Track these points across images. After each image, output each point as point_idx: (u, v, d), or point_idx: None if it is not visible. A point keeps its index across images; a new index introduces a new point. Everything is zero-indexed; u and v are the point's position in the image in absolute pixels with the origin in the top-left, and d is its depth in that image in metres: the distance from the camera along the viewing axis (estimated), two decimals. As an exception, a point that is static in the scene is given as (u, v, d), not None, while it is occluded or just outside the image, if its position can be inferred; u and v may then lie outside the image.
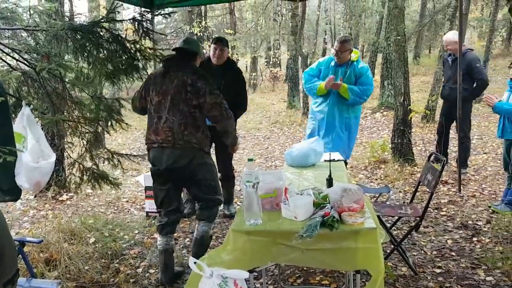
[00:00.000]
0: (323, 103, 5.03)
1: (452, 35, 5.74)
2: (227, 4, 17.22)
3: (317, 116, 5.09)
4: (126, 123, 4.52)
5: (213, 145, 4.29)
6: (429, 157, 3.91)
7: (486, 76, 5.63)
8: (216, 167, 3.71)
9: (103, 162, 4.45)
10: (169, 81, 3.23)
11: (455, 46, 5.40)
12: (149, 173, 3.47)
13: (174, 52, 3.40)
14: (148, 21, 3.21)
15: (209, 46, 5.24)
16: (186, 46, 3.37)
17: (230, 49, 4.62)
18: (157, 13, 4.66)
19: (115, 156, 4.27)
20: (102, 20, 3.08)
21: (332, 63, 4.99)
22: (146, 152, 3.42)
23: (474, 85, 5.62)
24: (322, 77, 5.00)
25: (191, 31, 15.05)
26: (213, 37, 4.83)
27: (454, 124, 5.89)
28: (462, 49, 5.17)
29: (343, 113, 4.98)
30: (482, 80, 5.56)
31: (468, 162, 6.50)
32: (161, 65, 3.45)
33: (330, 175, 3.05)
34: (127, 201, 5.51)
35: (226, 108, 3.27)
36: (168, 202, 3.35)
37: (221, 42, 4.48)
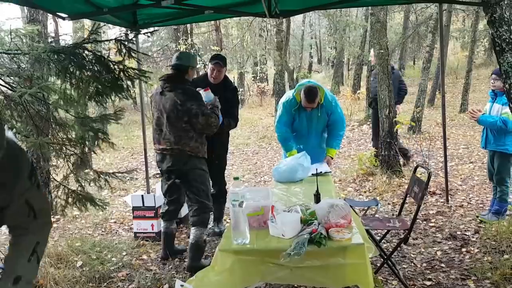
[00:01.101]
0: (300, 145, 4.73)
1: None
2: (212, 22, 17.34)
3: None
4: (113, 142, 4.50)
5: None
6: (415, 169, 3.93)
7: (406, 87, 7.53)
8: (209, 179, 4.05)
9: (90, 184, 4.40)
10: (164, 101, 3.76)
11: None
12: (137, 194, 3.68)
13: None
14: (130, 41, 3.21)
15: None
16: (178, 62, 3.86)
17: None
18: (140, 32, 4.69)
19: (101, 176, 4.22)
20: (85, 42, 3.07)
21: (301, 109, 4.57)
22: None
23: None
24: (298, 123, 4.66)
25: (177, 48, 15.10)
26: (212, 55, 4.74)
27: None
28: (444, 60, 5.25)
29: (318, 153, 4.67)
30: (406, 91, 7.51)
31: (455, 172, 6.56)
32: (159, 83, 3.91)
33: (317, 191, 3.05)
34: (115, 222, 5.43)
35: (216, 125, 3.79)
36: (170, 192, 4.04)
37: (219, 64, 4.35)
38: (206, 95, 3.90)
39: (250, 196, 2.80)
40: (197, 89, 3.90)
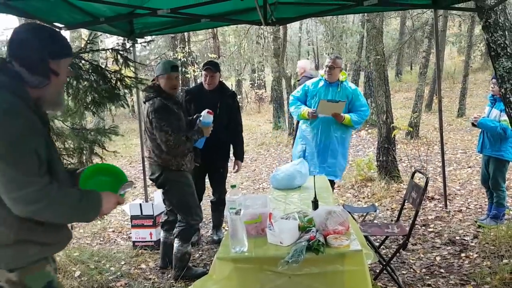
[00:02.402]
0: (313, 123, 4.89)
1: (303, 63, 6.89)
2: (209, 29, 17.40)
3: (308, 136, 4.94)
4: (114, 151, 4.50)
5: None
6: (413, 174, 3.93)
7: None
8: (194, 188, 3.84)
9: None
10: (143, 110, 3.76)
11: (301, 71, 6.67)
12: (134, 202, 3.63)
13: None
14: (126, 50, 3.21)
15: (194, 72, 5.27)
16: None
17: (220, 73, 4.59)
18: (137, 41, 4.69)
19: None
20: (81, 51, 3.08)
21: (321, 83, 4.91)
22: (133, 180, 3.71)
23: None
24: (311, 97, 4.94)
25: (175, 56, 15.13)
26: (204, 62, 4.73)
27: None
28: (440, 64, 5.26)
29: (337, 133, 4.85)
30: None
31: (454, 177, 6.57)
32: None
33: (315, 197, 3.05)
34: (113, 231, 5.42)
35: (172, 145, 3.55)
36: (165, 203, 4.06)
37: (210, 69, 4.35)
38: (205, 117, 3.77)
39: (248, 203, 2.79)
40: (205, 110, 3.80)
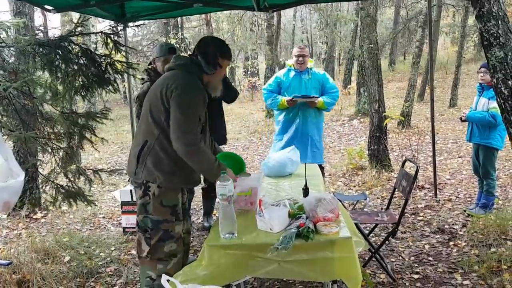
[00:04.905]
0: (291, 113, 4.95)
1: None
2: (203, 15, 17.23)
3: (287, 126, 5.01)
4: (103, 138, 4.46)
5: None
6: (403, 163, 3.94)
7: None
8: None
9: (79, 178, 4.36)
10: None
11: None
12: (125, 188, 3.53)
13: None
14: (116, 34, 3.16)
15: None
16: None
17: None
18: (128, 25, 4.62)
19: (87, 171, 4.19)
20: (70, 34, 3.03)
21: (292, 74, 4.95)
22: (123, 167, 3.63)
23: None
24: (285, 88, 4.95)
25: (168, 42, 14.99)
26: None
27: None
28: (432, 54, 5.26)
29: (313, 119, 4.95)
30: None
31: (444, 166, 6.61)
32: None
33: (306, 185, 3.04)
34: (104, 217, 5.40)
35: None
36: None
37: None
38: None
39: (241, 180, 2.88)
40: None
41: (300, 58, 4.86)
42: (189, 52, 15.82)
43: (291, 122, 4.98)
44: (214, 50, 2.66)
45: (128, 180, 3.73)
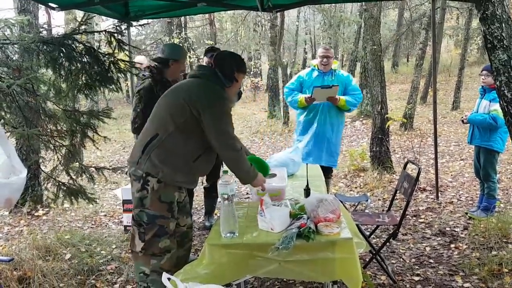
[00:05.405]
0: (311, 114, 4.92)
1: (141, 58, 6.29)
2: (207, 15, 17.25)
3: (307, 126, 4.95)
4: (105, 136, 4.46)
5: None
6: (405, 165, 3.94)
7: None
8: None
9: (81, 176, 4.37)
10: None
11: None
12: (127, 186, 3.53)
13: None
14: (120, 33, 3.17)
15: (190, 58, 5.19)
16: (160, 55, 3.60)
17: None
18: (131, 24, 4.63)
19: (90, 169, 4.19)
20: (74, 33, 3.03)
21: (315, 74, 4.90)
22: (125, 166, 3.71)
23: None
24: (306, 87, 4.91)
25: (171, 42, 15.00)
26: (206, 48, 4.67)
27: None
28: (436, 57, 5.26)
29: (333, 120, 4.89)
30: None
31: (446, 169, 6.60)
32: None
33: (307, 185, 3.05)
34: (105, 215, 5.41)
35: (135, 127, 3.62)
36: None
37: (212, 56, 4.32)
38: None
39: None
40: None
41: (325, 60, 4.80)
42: (192, 52, 15.89)
43: (311, 123, 4.92)
44: (231, 64, 2.77)
45: (126, 173, 3.73)
